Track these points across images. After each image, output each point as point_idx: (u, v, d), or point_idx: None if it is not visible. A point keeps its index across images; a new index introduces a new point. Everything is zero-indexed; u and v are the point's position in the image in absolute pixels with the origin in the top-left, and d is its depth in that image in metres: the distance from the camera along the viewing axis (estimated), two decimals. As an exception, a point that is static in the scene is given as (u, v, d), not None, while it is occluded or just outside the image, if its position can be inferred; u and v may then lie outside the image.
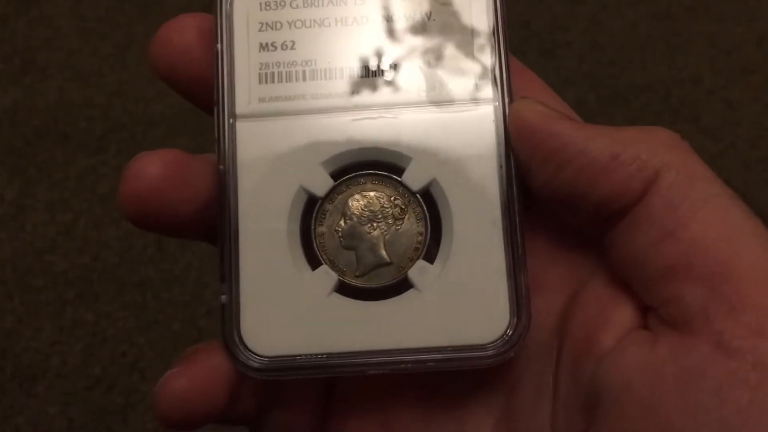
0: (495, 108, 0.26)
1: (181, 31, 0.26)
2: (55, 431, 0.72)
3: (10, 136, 0.83)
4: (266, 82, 0.27)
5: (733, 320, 0.21)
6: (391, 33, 0.27)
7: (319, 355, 0.25)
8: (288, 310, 0.25)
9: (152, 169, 0.25)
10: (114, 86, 0.85)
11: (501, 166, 0.26)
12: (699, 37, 0.84)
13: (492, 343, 0.25)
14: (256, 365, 0.25)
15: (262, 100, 0.26)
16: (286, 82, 0.27)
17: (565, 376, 0.25)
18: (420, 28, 0.27)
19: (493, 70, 0.26)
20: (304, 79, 0.27)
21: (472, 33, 0.27)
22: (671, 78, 0.83)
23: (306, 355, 0.25)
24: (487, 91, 0.26)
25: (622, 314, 0.24)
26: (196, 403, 0.25)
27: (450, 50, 0.27)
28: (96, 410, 0.73)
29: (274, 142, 0.26)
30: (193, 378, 0.25)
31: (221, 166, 0.26)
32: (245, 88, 0.26)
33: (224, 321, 0.25)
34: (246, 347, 0.25)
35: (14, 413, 0.73)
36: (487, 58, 0.26)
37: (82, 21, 0.88)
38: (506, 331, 0.25)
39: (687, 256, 0.22)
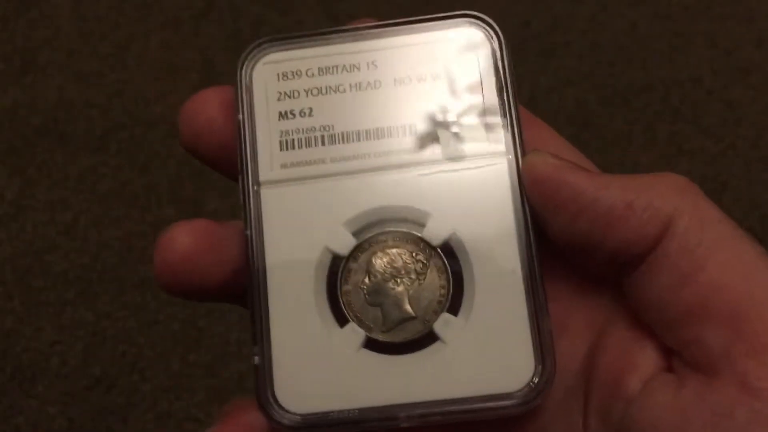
0: (509, 161, 0.27)
1: (204, 105, 0.28)
2: (54, 431, 0.72)
3: (10, 135, 0.83)
4: (287, 149, 0.28)
5: (755, 361, 0.22)
6: (403, 95, 0.28)
7: (351, 410, 0.26)
8: (319, 367, 0.26)
9: (183, 239, 0.26)
10: (114, 86, 0.85)
11: (518, 217, 0.27)
12: (699, 37, 0.84)
13: (518, 391, 0.25)
14: (290, 423, 0.26)
15: (284, 166, 0.28)
16: (306, 147, 0.28)
17: (595, 420, 0.25)
18: (431, 88, 0.28)
19: (505, 124, 0.27)
20: (323, 144, 0.28)
21: (481, 89, 0.28)
22: (671, 78, 0.83)
23: (338, 410, 0.26)
24: (500, 144, 0.27)
25: (647, 357, 0.25)
26: None
27: (461, 107, 0.28)
28: (96, 410, 0.73)
29: (297, 206, 0.27)
30: None
31: (248, 232, 0.27)
32: (267, 156, 0.28)
33: (258, 381, 0.26)
34: (280, 406, 0.26)
35: (14, 413, 0.73)
36: (498, 112, 0.28)
37: (82, 21, 0.88)
38: (532, 378, 0.25)
39: (705, 298, 0.23)
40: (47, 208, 0.80)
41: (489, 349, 0.26)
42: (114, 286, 0.77)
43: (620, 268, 0.25)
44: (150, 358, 0.74)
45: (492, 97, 0.28)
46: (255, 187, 0.27)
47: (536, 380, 0.25)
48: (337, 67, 0.28)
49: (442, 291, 0.27)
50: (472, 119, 0.28)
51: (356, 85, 0.28)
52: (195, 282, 0.26)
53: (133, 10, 0.88)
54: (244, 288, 0.27)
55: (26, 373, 0.74)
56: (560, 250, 0.26)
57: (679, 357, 0.24)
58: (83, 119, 0.84)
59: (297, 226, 0.27)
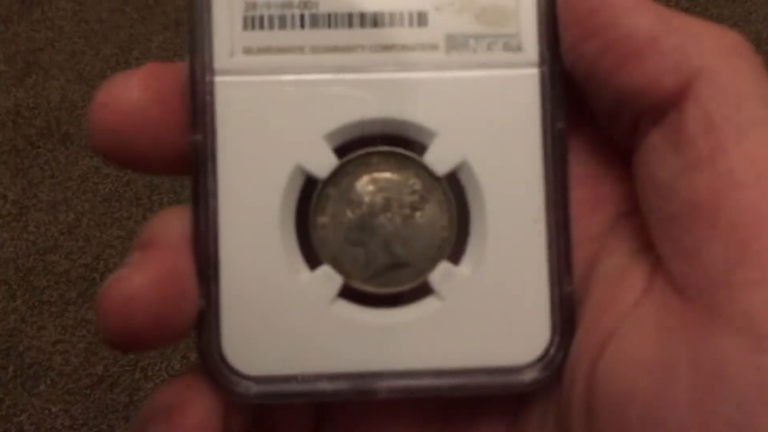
0: (541, 73, 0.21)
1: (124, 88, 0.20)
2: (57, 430, 0.72)
3: (13, 136, 0.84)
4: (253, 28, 0.21)
5: (763, 295, 0.16)
6: None
7: (320, 375, 0.20)
8: (281, 319, 0.20)
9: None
10: (116, 87, 0.85)
11: (547, 149, 0.21)
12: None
13: (529, 365, 0.20)
14: (242, 389, 0.20)
15: (248, 51, 0.21)
16: (279, 28, 0.21)
17: (567, 375, 0.20)
18: None
19: (539, 25, 0.21)
20: (303, 26, 0.21)
21: None
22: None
23: (303, 375, 0.20)
24: (533, 52, 0.21)
25: (629, 285, 0.19)
26: None
27: (489, 2, 0.21)
28: (98, 409, 0.73)
29: (263, 107, 0.21)
30: None
31: (196, 136, 0.20)
32: (226, 36, 0.21)
33: (201, 333, 0.20)
34: (228, 366, 0.20)
35: (17, 412, 0.73)
36: (532, 11, 0.21)
37: (85, 23, 0.89)
38: (546, 351, 0.20)
39: (717, 192, 0.17)
40: (50, 208, 0.80)
41: (496, 310, 0.21)
42: (116, 286, 0.77)
43: (628, 128, 0.19)
44: (152, 356, 0.74)
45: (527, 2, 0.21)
46: (207, 77, 0.20)
47: (551, 353, 0.20)
48: None
49: (443, 234, 0.21)
50: (500, 18, 0.21)
51: None
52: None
53: (135, 12, 0.89)
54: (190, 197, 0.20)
55: (29, 372, 0.74)
56: (569, 73, 0.20)
57: (664, 271, 0.18)
58: (86, 120, 0.84)
59: (261, 135, 0.21)
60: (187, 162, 0.20)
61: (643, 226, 0.19)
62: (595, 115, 0.21)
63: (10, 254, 0.79)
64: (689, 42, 0.18)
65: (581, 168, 0.21)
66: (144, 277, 0.20)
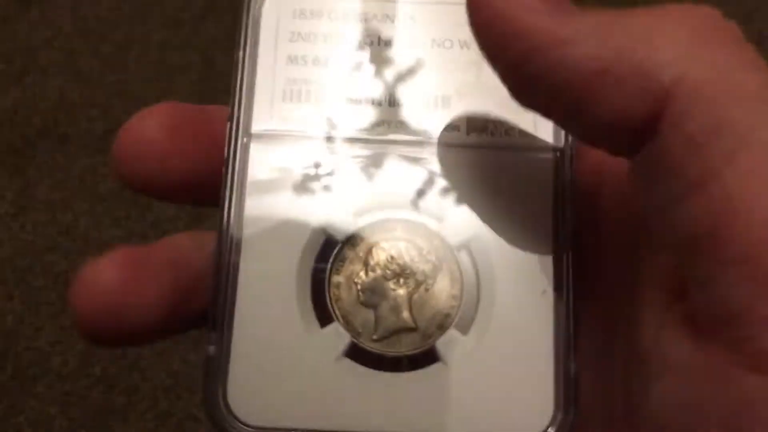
0: (555, 157, 0.22)
1: (142, 126, 0.22)
2: (55, 431, 0.72)
3: (10, 136, 0.83)
4: (292, 101, 0.23)
5: None
6: (440, 61, 0.23)
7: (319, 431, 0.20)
8: (287, 372, 0.21)
9: (108, 274, 0.21)
10: (114, 86, 0.85)
11: (558, 227, 0.21)
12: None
13: None
14: None
15: (285, 119, 0.22)
16: (315, 101, 0.23)
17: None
18: (475, 62, 0.23)
19: None
20: (336, 101, 0.23)
21: None
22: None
23: (303, 430, 0.20)
24: (547, 136, 0.22)
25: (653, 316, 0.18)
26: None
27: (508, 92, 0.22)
28: (96, 410, 0.73)
29: (292, 168, 0.22)
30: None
31: (226, 191, 0.22)
32: (266, 104, 0.23)
33: (207, 377, 0.20)
34: (230, 412, 0.20)
35: (15, 413, 0.73)
36: None
37: (83, 21, 0.88)
38: (547, 428, 0.20)
39: (717, 221, 0.15)
40: (48, 208, 0.80)
41: (500, 382, 0.21)
42: (114, 286, 0.77)
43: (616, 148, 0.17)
44: (150, 357, 0.74)
45: None
46: (244, 140, 0.22)
47: (552, 430, 0.20)
48: (367, 14, 0.23)
49: (453, 303, 0.22)
50: (516, 103, 0.21)
51: (387, 40, 0.23)
52: (125, 324, 0.21)
53: (133, 11, 0.88)
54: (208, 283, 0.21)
55: (27, 372, 0.74)
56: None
57: (687, 305, 0.17)
58: (84, 119, 0.84)
59: (288, 195, 0.22)
60: (200, 192, 0.22)
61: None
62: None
63: (7, 254, 0.78)
64: (645, 56, 0.16)
65: None
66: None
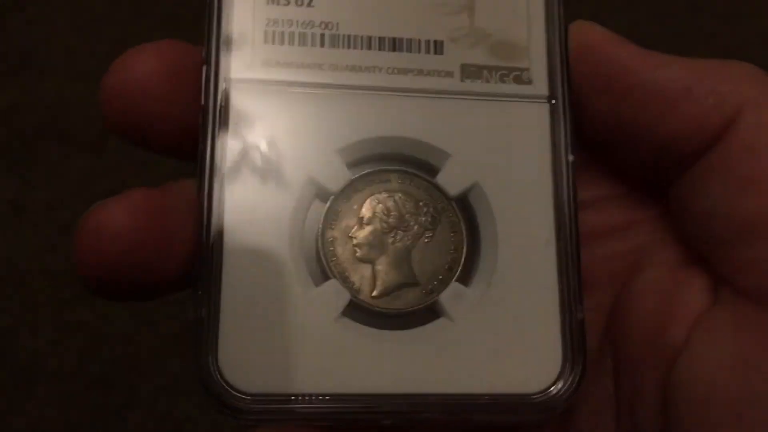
0: (552, 106, 0.22)
1: (138, 61, 0.21)
2: (53, 431, 0.72)
3: (7, 135, 0.83)
4: (273, 42, 0.21)
5: None
6: (436, 8, 0.22)
7: (320, 396, 0.19)
8: (283, 334, 0.19)
9: (119, 219, 0.20)
10: (112, 85, 0.85)
11: (558, 173, 0.21)
12: (700, 36, 0.84)
13: (538, 394, 0.20)
14: (237, 405, 0.19)
15: (266, 63, 0.21)
16: (299, 45, 0.21)
17: (631, 381, 0.20)
18: (467, 7, 0.22)
19: (553, 62, 0.22)
20: (323, 45, 0.21)
21: (528, 16, 0.22)
22: (671, 78, 0.83)
23: (302, 395, 0.19)
24: (542, 86, 0.22)
25: (691, 298, 0.20)
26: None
27: (504, 35, 0.22)
28: (95, 410, 0.73)
29: (277, 117, 0.21)
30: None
31: (206, 143, 0.20)
32: (246, 48, 0.21)
33: (196, 343, 0.19)
34: (223, 380, 0.19)
35: (12, 413, 0.73)
36: (542, 48, 0.22)
37: (79, 19, 0.88)
38: (557, 380, 0.20)
39: None
40: (45, 207, 0.80)
41: (506, 335, 0.20)
42: (113, 286, 0.77)
43: (668, 169, 0.20)
44: (149, 358, 0.74)
45: (539, 32, 0.22)
46: (223, 85, 0.21)
47: (561, 383, 0.20)
48: None
49: (454, 255, 0.21)
50: (515, 50, 0.22)
51: None
52: (136, 279, 0.19)
53: (131, 8, 0.88)
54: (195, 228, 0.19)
55: (24, 373, 0.74)
56: (600, 144, 0.21)
57: (731, 286, 0.19)
58: (81, 118, 0.83)
59: (273, 144, 0.20)
60: (191, 143, 0.20)
61: (686, 245, 0.21)
62: (623, 161, 0.22)
63: (4, 254, 0.78)
64: (720, 82, 0.20)
65: (606, 191, 0.22)
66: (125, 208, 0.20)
